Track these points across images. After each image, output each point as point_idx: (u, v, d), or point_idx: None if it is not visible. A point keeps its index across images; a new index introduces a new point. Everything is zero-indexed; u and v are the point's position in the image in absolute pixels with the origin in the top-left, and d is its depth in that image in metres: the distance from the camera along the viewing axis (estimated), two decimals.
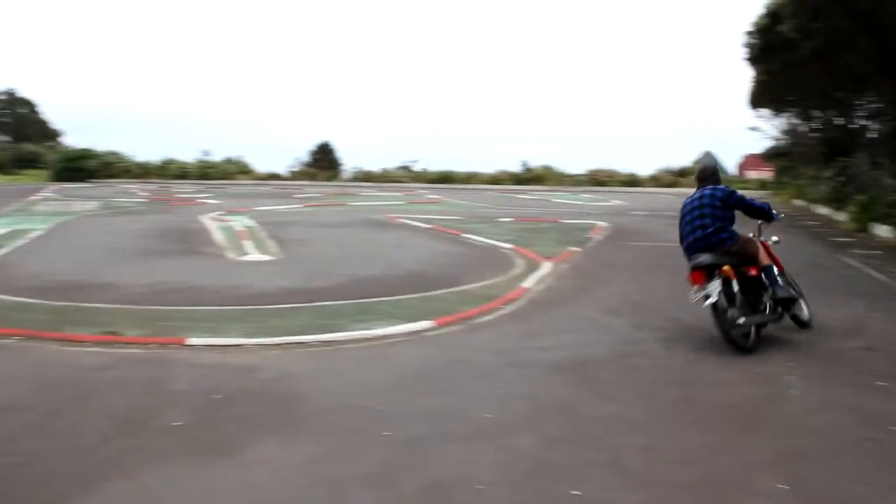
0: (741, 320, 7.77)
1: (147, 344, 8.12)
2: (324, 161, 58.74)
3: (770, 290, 8.20)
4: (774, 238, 9.06)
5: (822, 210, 28.31)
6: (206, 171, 53.55)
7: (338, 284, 11.72)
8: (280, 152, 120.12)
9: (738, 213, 8.44)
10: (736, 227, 8.27)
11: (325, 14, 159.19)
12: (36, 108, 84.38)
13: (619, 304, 10.61)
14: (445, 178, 53.53)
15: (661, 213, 26.99)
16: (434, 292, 11.11)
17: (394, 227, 21.57)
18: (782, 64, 26.77)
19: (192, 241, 17.28)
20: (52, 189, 39.75)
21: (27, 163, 65.39)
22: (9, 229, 19.35)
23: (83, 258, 14.54)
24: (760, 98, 35.99)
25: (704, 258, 7.95)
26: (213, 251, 15.81)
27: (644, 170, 55.62)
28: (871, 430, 5.65)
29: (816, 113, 34.73)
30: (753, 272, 8.24)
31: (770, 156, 46.95)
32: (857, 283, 12.73)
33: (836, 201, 26.33)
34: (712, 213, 8.16)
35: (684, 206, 8.53)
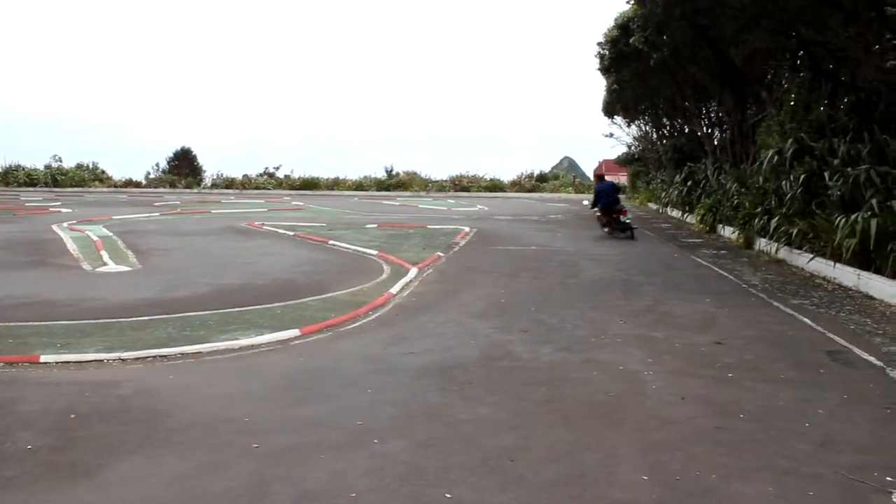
0: (616, 233, 20.98)
1: None
2: (184, 167, 56.85)
3: (627, 223, 21.17)
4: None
5: (674, 213, 29.81)
6: (57, 178, 50.86)
7: (200, 294, 11.40)
8: (138, 158, 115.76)
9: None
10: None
11: (187, 14, 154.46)
12: None
13: (485, 307, 10.81)
14: (310, 185, 53.04)
15: (524, 218, 27.77)
16: (300, 300, 10.98)
17: (258, 234, 21.18)
18: (633, 74, 28.01)
19: (44, 253, 16.36)
20: None
21: None
22: None
23: None
24: (614, 106, 37.55)
25: (611, 209, 21.47)
26: (66, 262, 15.03)
27: (506, 175, 56.78)
28: (722, 420, 5.99)
29: (666, 121, 36.50)
30: (623, 216, 21.40)
31: (624, 161, 48.99)
32: (706, 281, 13.47)
33: (686, 205, 27.77)
34: (613, 192, 22.23)
35: (600, 188, 22.26)
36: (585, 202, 24.92)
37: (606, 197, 21.89)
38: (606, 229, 21.76)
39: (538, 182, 55.56)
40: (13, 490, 4.69)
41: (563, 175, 60.79)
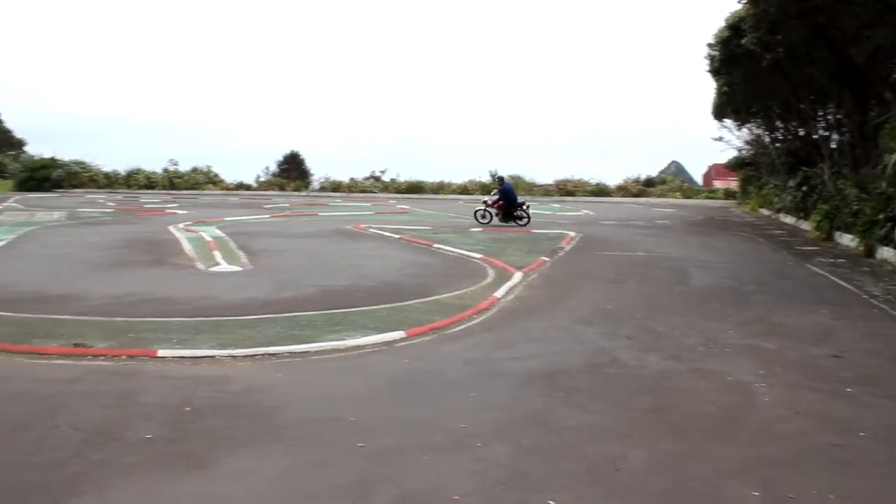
0: (512, 222, 25.32)
1: (116, 356, 8.01)
2: (293, 171, 58.23)
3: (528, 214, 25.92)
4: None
5: (788, 219, 28.71)
6: (174, 181, 52.97)
7: (308, 295, 11.66)
8: (249, 162, 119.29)
9: None
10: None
11: (296, 21, 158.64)
12: None
13: (590, 313, 10.68)
14: (415, 188, 53.51)
15: (631, 223, 27.30)
16: (405, 302, 11.09)
17: (364, 237, 21.52)
18: (744, 75, 27.17)
19: (161, 252, 17.08)
20: (15, 199, 39.08)
21: None
22: None
23: (49, 269, 14.30)
24: (724, 109, 36.46)
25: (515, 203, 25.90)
26: (182, 262, 15.64)
27: (612, 179, 55.86)
28: (840, 437, 5.74)
29: (779, 123, 35.24)
30: (526, 209, 26.13)
31: (735, 165, 47.52)
32: (823, 291, 12.92)
33: (801, 211, 26.72)
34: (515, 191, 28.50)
35: (509, 187, 26.98)
36: (487, 199, 27.13)
37: (514, 195, 26.67)
38: (503, 221, 25.49)
39: (645, 186, 54.39)
40: (134, 476, 4.94)
41: (671, 179, 59.28)
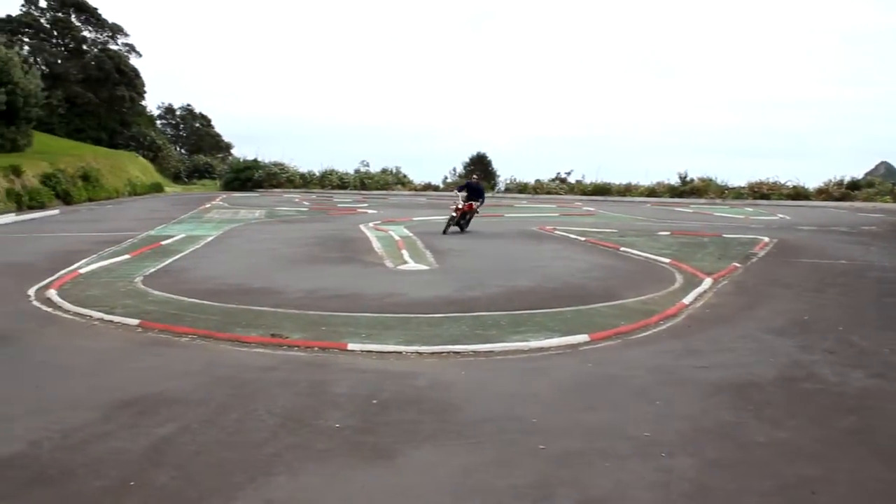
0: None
1: (310, 347, 8.45)
2: (479, 172, 59.07)
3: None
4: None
5: None
6: (364, 182, 55.12)
7: (493, 295, 11.76)
8: (436, 163, 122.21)
9: None
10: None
11: (487, 23, 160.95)
12: (210, 123, 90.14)
13: (785, 323, 10.09)
14: (601, 190, 52.75)
15: (831, 229, 25.53)
16: (589, 306, 10.95)
17: (549, 238, 21.45)
18: None
19: (352, 250, 17.81)
20: (222, 198, 42.13)
21: (200, 173, 70.36)
22: (184, 235, 20.68)
23: (250, 263, 15.30)
24: None
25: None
26: (371, 259, 16.23)
27: (811, 182, 52.53)
28: None
29: None
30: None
31: None
32: None
33: None
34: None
35: (474, 184, 23.76)
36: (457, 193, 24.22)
37: (477, 195, 23.36)
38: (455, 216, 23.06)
39: (849, 190, 50.78)
40: (324, 462, 5.19)
41: (879, 182, 54.95)
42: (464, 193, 23.16)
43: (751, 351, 8.63)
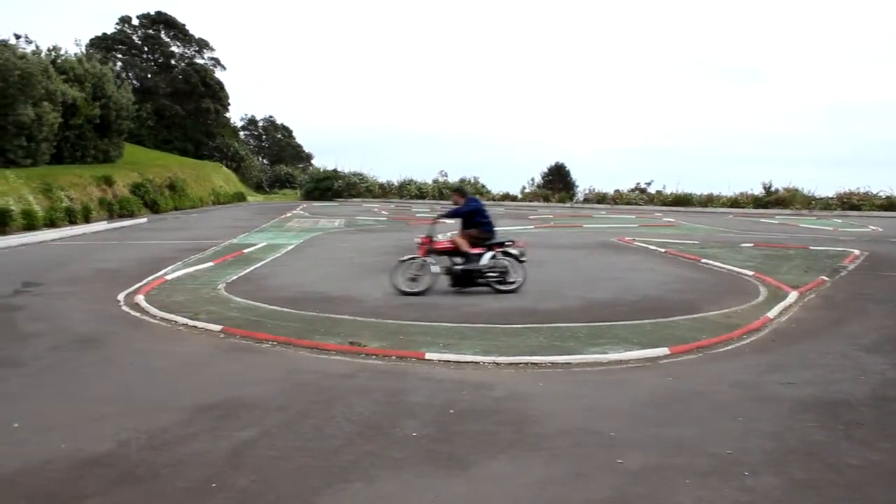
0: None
1: (387, 356, 8.52)
2: (557, 182, 58.63)
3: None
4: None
5: None
6: (443, 192, 55.40)
7: (570, 306, 11.65)
8: (514, 173, 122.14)
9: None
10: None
11: (563, 35, 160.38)
12: (291, 134, 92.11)
13: (877, 340, 9.70)
14: (682, 201, 51.79)
15: None
16: (669, 318, 10.74)
17: (628, 250, 21.14)
18: None
19: None
20: (302, 207, 42.94)
21: (281, 183, 72.00)
22: (265, 244, 21.16)
23: (329, 272, 15.53)
24: None
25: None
26: None
27: None
28: None
29: None
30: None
31: None
32: None
33: None
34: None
35: (481, 205, 14.23)
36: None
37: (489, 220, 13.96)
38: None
39: None
40: (400, 470, 5.22)
41: None
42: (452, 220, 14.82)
43: (840, 368, 8.31)
